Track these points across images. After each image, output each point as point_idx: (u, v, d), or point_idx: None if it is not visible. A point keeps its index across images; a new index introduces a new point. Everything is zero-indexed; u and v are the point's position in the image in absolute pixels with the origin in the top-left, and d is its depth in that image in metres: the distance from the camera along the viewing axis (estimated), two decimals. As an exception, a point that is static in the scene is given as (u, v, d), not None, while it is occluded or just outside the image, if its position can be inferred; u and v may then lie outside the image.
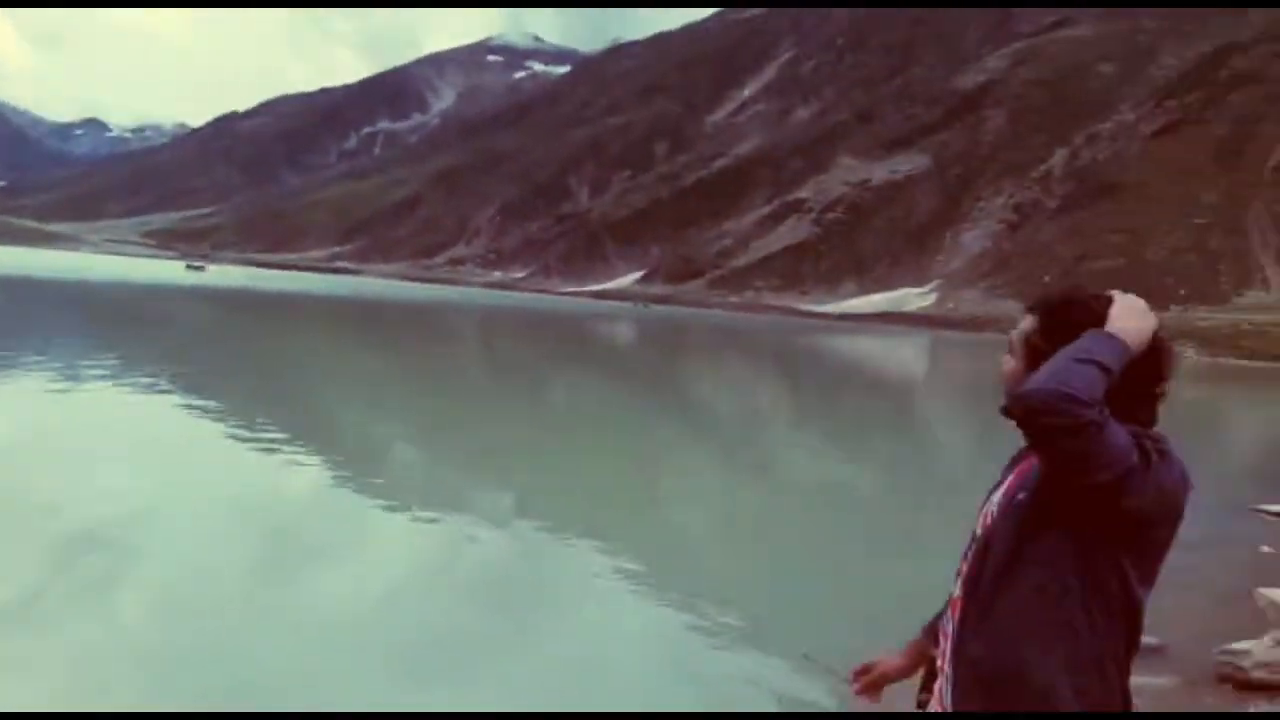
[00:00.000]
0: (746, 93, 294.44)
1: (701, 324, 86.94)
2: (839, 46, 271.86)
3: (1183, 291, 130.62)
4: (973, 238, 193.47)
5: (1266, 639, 4.51)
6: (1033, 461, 1.48)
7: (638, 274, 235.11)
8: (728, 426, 17.15)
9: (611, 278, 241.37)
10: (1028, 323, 1.60)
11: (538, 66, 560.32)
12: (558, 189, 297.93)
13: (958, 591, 1.49)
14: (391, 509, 7.95)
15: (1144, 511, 1.43)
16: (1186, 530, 6.35)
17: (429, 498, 8.52)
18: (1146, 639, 3.41)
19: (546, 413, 16.72)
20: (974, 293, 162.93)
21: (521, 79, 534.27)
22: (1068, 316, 1.54)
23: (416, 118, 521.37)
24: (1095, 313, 1.53)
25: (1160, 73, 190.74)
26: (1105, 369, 1.34)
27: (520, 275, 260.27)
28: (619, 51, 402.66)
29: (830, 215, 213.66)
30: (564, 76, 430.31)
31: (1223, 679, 4.35)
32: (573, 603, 6.01)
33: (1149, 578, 1.52)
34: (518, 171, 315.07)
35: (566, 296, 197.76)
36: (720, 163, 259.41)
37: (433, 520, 7.74)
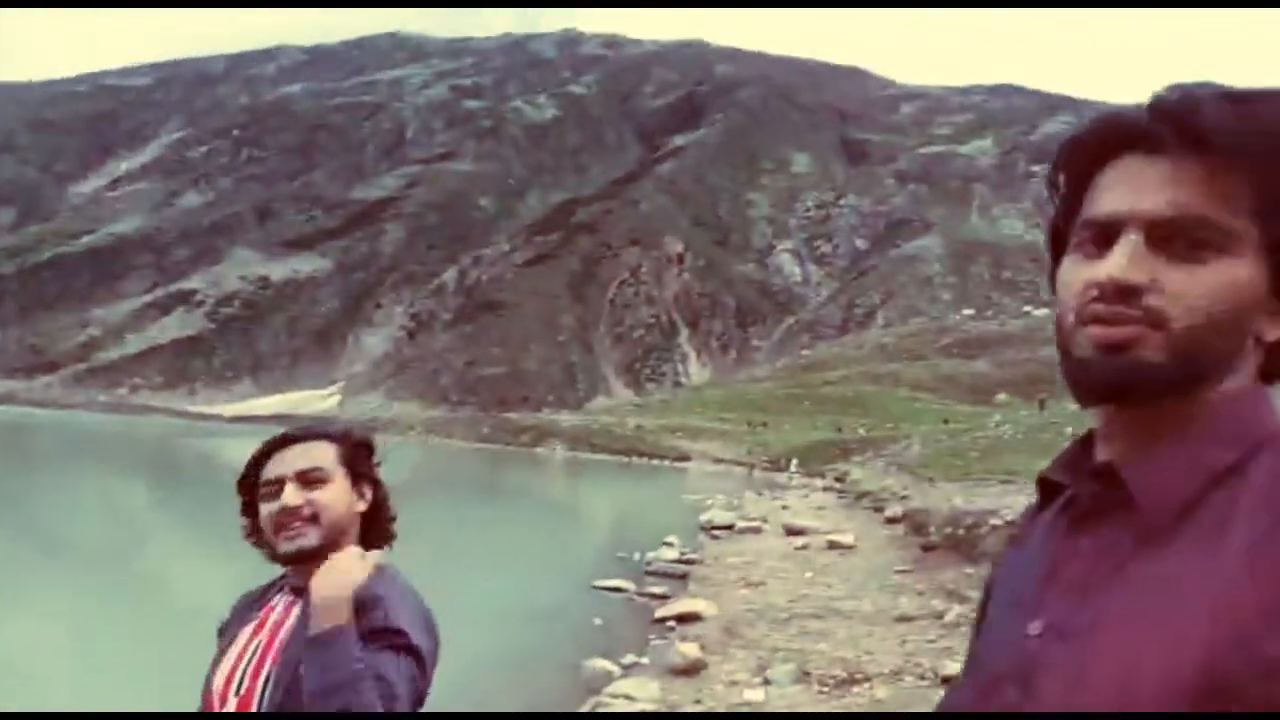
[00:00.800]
0: (124, 167, 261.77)
1: (51, 429, 69.20)
2: (236, 137, 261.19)
3: (550, 397, 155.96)
4: (374, 342, 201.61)
5: (584, 709, 4.91)
6: None
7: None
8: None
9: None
10: (327, 451, 1.44)
11: None
12: None
13: None
14: None
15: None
16: (540, 611, 10.33)
17: None
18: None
19: None
20: (375, 395, 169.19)
21: None
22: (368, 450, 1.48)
23: None
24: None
25: (528, 212, 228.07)
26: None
27: None
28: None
29: (226, 310, 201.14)
30: None
31: None
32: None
33: None
34: None
35: None
36: (89, 240, 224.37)
37: None
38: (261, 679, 1.35)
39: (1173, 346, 0.63)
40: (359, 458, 1.47)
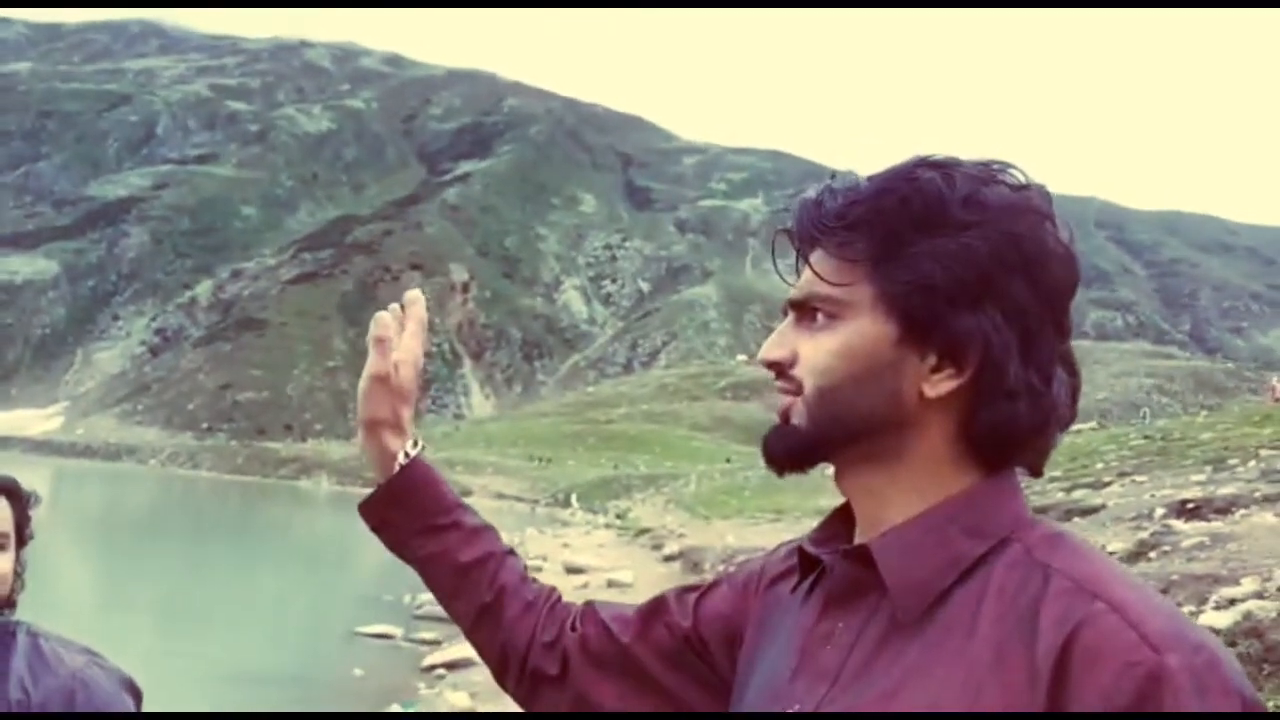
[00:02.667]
0: None
1: None
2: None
3: (318, 426, 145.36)
4: (108, 357, 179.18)
5: None
6: None
7: None
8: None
9: None
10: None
11: None
12: None
13: None
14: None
15: None
16: (296, 665, 9.77)
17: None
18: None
19: None
20: (109, 418, 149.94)
21: None
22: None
23: None
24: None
25: (298, 226, 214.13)
26: None
27: None
28: None
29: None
30: None
31: None
32: None
33: None
34: None
35: None
36: None
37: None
38: None
39: (809, 410, 0.70)
40: (25, 517, 1.33)
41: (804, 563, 0.77)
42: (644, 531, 26.92)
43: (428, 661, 8.89)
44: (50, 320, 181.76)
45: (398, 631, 11.12)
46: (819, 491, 22.36)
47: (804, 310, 0.72)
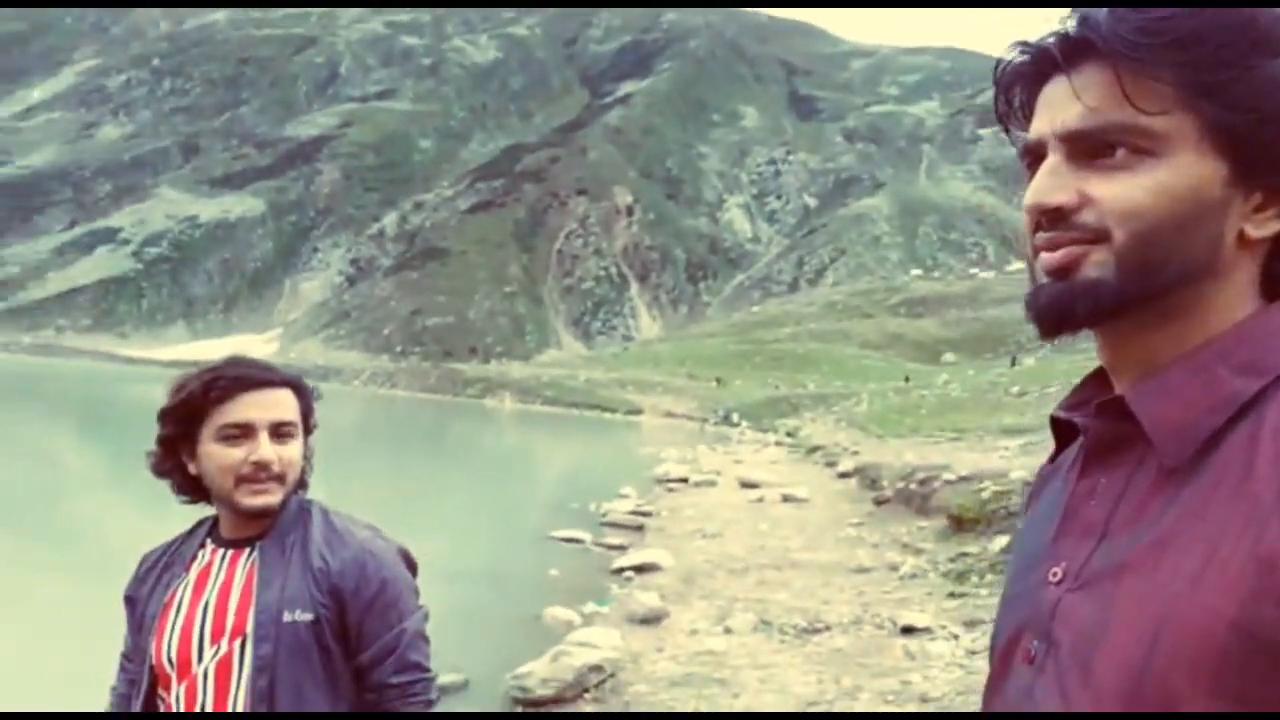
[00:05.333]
0: (36, 95, 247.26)
1: None
2: (156, 67, 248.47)
3: (499, 348, 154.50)
4: (312, 287, 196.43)
5: (547, 657, 4.91)
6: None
7: None
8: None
9: None
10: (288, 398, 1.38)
11: None
12: None
13: None
14: None
15: None
16: (496, 563, 10.28)
17: None
18: (449, 676, 4.62)
19: None
20: (316, 342, 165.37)
21: None
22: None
23: None
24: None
25: (471, 157, 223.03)
26: None
27: None
28: None
29: (153, 250, 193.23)
30: None
31: (515, 701, 4.75)
32: None
33: None
34: None
35: None
36: (2, 172, 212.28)
37: None
38: (239, 639, 1.31)
39: (1118, 260, 0.60)
40: (310, 410, 1.44)
41: (1059, 432, 0.71)
42: (816, 449, 26.24)
43: (616, 564, 9.38)
44: (260, 254, 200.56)
45: (586, 536, 11.44)
46: (1000, 409, 21.88)
47: (1089, 145, 0.61)
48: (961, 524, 9.26)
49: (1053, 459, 0.71)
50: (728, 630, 6.33)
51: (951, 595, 6.94)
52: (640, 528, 12.59)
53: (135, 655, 1.40)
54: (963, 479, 10.93)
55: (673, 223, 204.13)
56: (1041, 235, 0.63)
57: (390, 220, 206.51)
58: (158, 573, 1.41)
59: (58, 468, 17.86)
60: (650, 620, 6.70)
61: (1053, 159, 0.63)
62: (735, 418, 57.27)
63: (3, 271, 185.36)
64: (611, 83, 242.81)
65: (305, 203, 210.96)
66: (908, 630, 5.96)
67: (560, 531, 11.57)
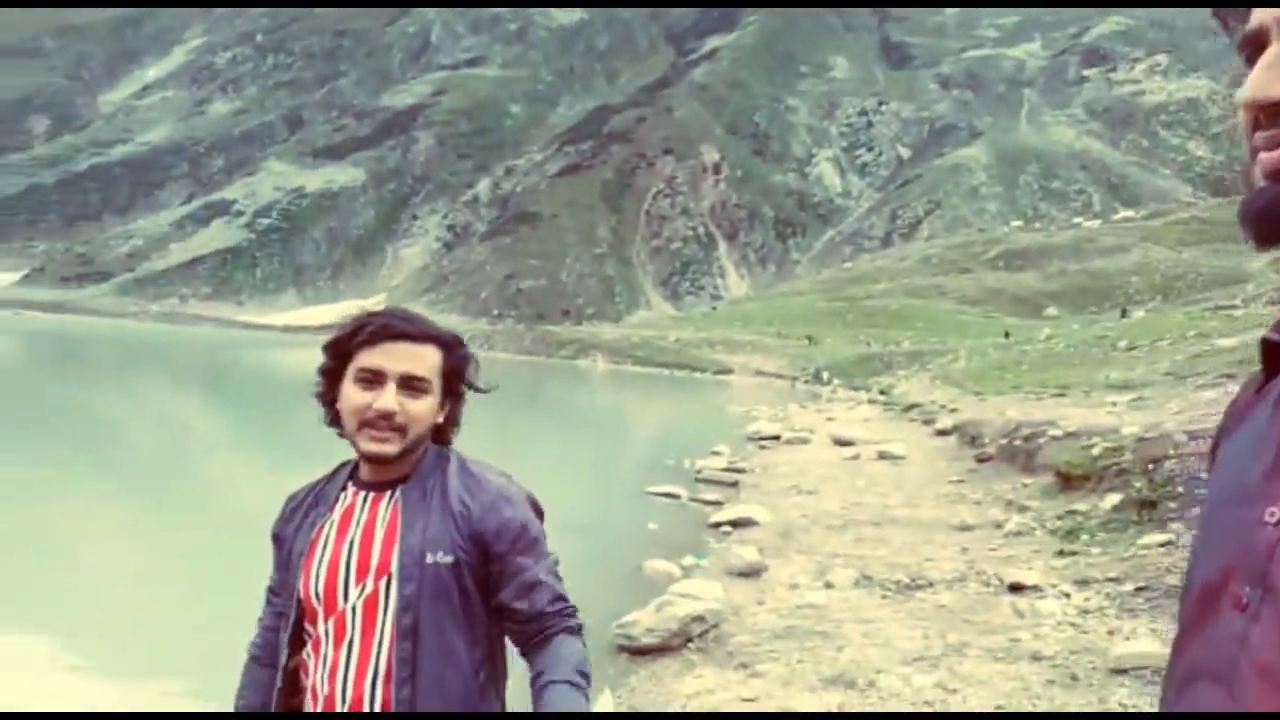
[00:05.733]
0: (151, 74, 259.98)
1: (112, 339, 67.57)
2: (259, 44, 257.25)
3: (590, 310, 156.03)
4: (412, 254, 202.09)
5: (651, 607, 5.01)
6: None
7: (14, 275, 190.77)
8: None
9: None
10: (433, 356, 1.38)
11: None
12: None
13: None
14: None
15: None
16: (596, 516, 10.15)
17: None
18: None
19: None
20: (419, 306, 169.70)
21: None
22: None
23: None
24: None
25: (559, 121, 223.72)
26: None
27: None
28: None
29: (264, 221, 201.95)
30: None
31: (621, 649, 4.82)
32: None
33: None
34: None
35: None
36: (123, 149, 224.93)
37: None
38: (384, 578, 1.33)
39: None
40: (456, 370, 1.42)
41: (1268, 358, 0.63)
42: (911, 406, 25.81)
43: (714, 519, 9.39)
44: (363, 222, 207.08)
45: (682, 492, 11.44)
46: (1107, 364, 20.70)
47: None
48: (1070, 481, 8.98)
49: (1260, 388, 0.64)
50: (828, 585, 6.32)
51: (1060, 554, 6.76)
52: (735, 484, 12.58)
53: (282, 590, 1.45)
54: (1070, 435, 10.55)
55: (760, 179, 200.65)
56: (1261, 134, 0.57)
57: (484, 186, 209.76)
58: (303, 512, 1.44)
59: (187, 429, 19.06)
60: (749, 574, 6.72)
61: (1275, 48, 0.56)
62: (826, 376, 56.69)
63: (129, 244, 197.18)
64: (697, 39, 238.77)
65: (403, 171, 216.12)
66: (1015, 588, 5.82)
67: (657, 487, 11.65)
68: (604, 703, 4.01)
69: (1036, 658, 4.39)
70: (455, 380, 1.42)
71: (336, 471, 1.47)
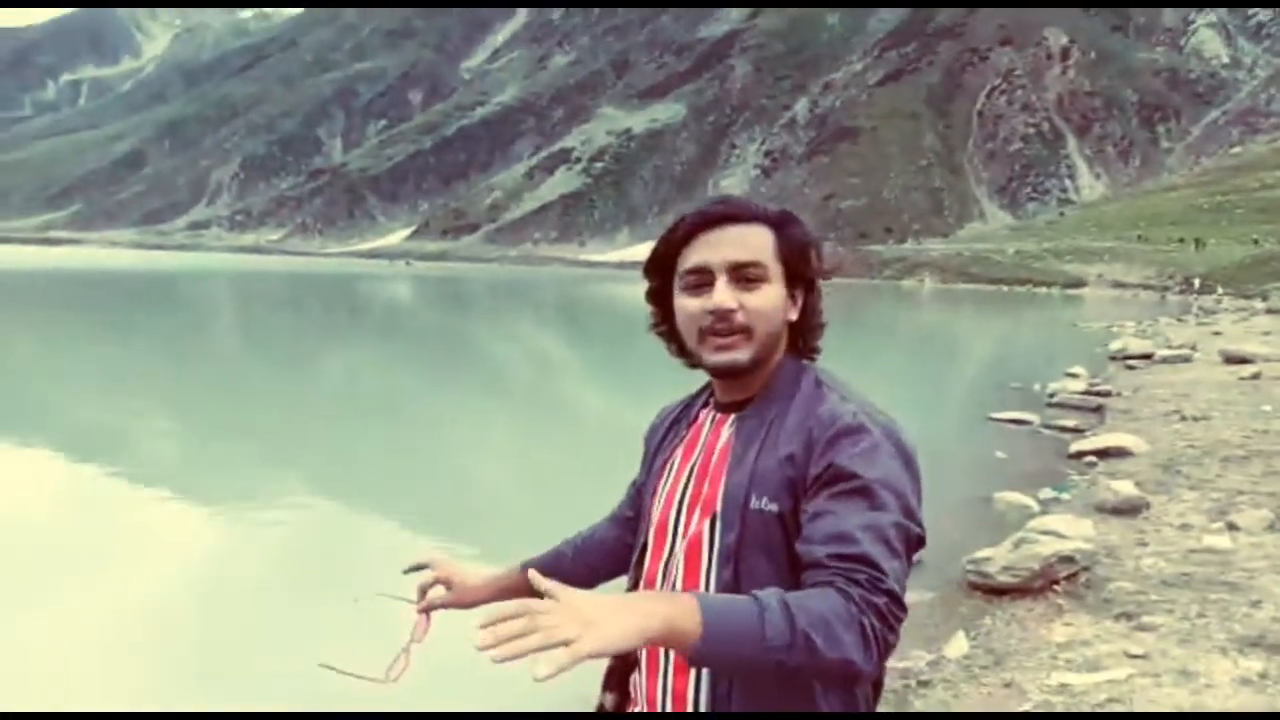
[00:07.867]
0: (499, 39, 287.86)
1: (483, 281, 77.31)
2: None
3: (916, 226, 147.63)
4: (732, 183, 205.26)
5: (1006, 544, 4.72)
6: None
7: (406, 230, 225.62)
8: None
9: (379, 235, 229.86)
10: (761, 237, 1.15)
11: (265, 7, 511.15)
12: (306, 141, 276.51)
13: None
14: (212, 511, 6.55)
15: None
16: (932, 442, 7.99)
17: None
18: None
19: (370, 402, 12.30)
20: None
21: (247, 19, 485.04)
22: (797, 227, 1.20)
23: (127, 62, 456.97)
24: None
25: (879, 25, 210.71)
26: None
27: (276, 237, 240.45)
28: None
29: (598, 165, 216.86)
30: (297, 18, 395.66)
31: (973, 587, 4.53)
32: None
33: None
34: (258, 123, 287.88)
35: (333, 258, 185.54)
36: (482, 111, 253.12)
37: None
38: (709, 518, 1.15)
39: None
40: (797, 252, 1.18)
41: None
42: None
43: (1075, 448, 8.58)
44: (685, 158, 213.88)
45: (1034, 418, 10.61)
46: None
47: None
48: None
49: None
50: (1232, 527, 5.37)
51: None
52: (1098, 409, 11.28)
53: (641, 491, 1.34)
54: None
55: (1120, 59, 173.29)
56: None
57: (801, 106, 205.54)
58: (667, 426, 1.32)
59: (547, 355, 21.29)
60: (1125, 511, 5.92)
61: None
62: (1208, 284, 49.68)
63: (491, 197, 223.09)
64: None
65: (721, 101, 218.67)
66: None
67: (1002, 413, 10.80)
68: (958, 644, 3.70)
69: None
70: (798, 263, 1.18)
71: (706, 386, 1.30)
